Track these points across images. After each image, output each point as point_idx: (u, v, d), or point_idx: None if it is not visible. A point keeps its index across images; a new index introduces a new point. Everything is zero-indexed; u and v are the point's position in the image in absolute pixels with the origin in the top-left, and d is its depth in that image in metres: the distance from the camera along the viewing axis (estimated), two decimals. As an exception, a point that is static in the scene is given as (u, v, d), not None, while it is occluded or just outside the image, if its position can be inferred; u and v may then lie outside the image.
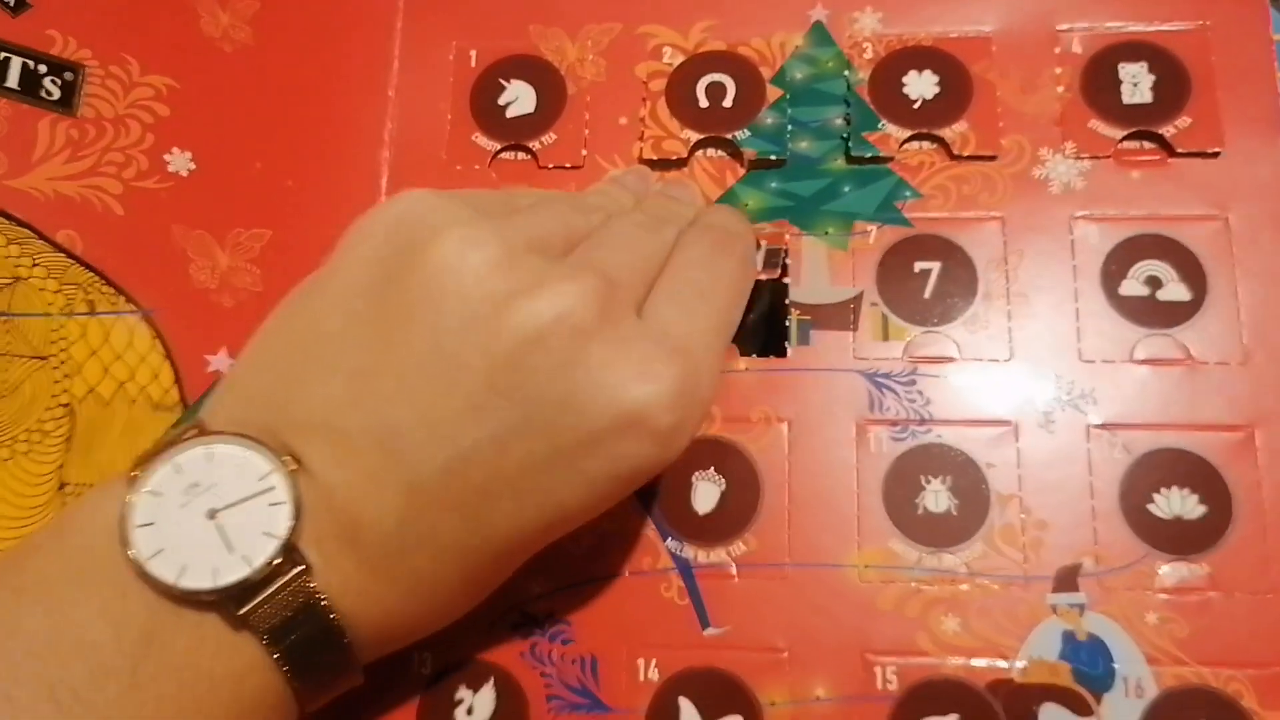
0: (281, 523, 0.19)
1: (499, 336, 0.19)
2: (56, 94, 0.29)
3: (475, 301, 0.19)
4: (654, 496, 0.25)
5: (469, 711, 0.23)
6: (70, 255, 0.28)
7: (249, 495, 0.19)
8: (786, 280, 0.26)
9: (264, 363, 0.21)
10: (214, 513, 0.19)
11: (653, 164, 0.28)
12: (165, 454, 0.19)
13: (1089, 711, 0.22)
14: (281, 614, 0.18)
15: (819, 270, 0.26)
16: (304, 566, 0.19)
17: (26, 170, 0.28)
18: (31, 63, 0.29)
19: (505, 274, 0.19)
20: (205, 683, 0.18)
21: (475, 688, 0.24)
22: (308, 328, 0.20)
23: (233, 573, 0.18)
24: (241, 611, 0.18)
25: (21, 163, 0.28)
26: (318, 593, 0.19)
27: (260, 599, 0.18)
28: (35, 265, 0.28)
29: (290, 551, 0.19)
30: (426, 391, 0.19)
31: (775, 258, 0.26)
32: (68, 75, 0.29)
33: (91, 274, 0.28)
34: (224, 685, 0.18)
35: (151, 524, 0.18)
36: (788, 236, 0.27)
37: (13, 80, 0.29)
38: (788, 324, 0.26)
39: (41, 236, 0.28)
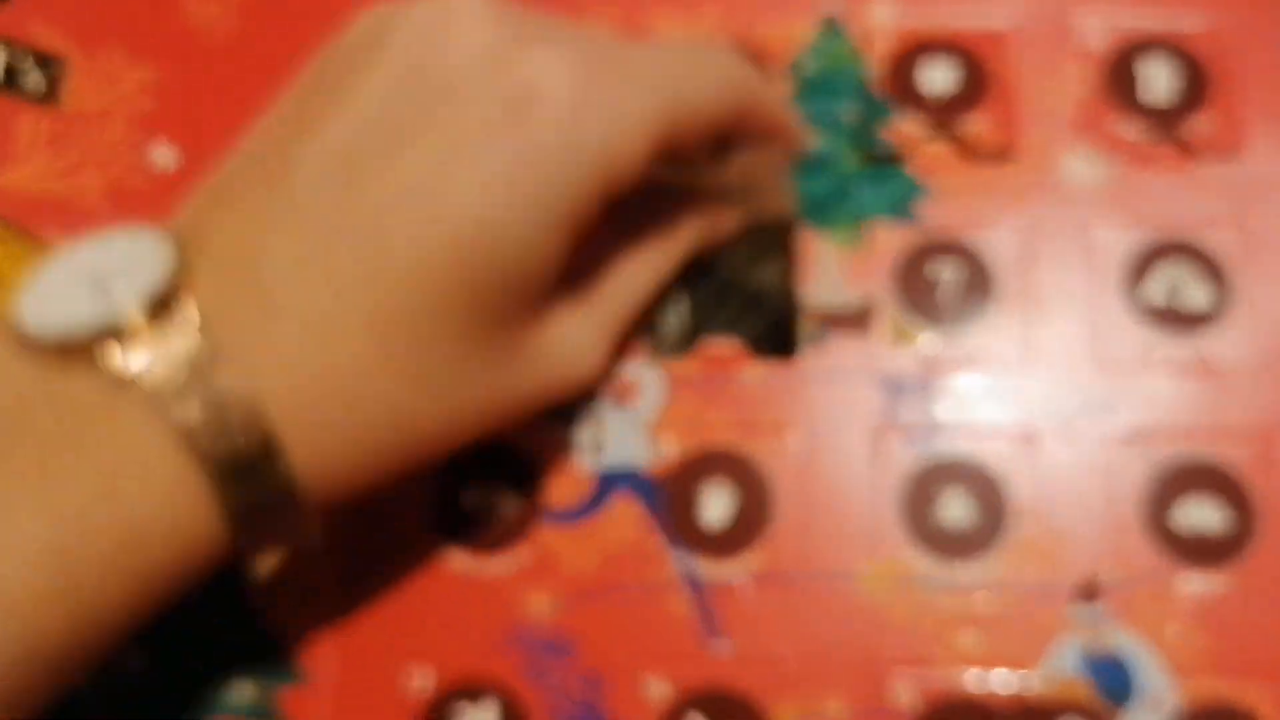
0: (165, 271, 0.18)
1: (384, 49, 0.20)
2: (40, 88, 0.28)
3: (371, 29, 0.20)
4: (660, 507, 0.24)
5: (471, 730, 0.23)
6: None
7: (138, 258, 0.18)
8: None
9: (204, 181, 0.21)
10: (99, 278, 0.18)
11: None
12: (62, 247, 0.19)
13: (1109, 727, 0.22)
14: (170, 368, 0.17)
15: (830, 273, 0.26)
16: (195, 317, 0.18)
17: (7, 167, 0.28)
18: (14, 55, 0.28)
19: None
20: (74, 454, 0.17)
21: (477, 705, 0.23)
22: (245, 135, 0.21)
23: (106, 316, 0.17)
24: (123, 363, 0.17)
25: (2, 158, 0.28)
26: (211, 346, 0.17)
27: (144, 350, 0.17)
28: (17, 263, 0.28)
29: (173, 296, 0.18)
30: (322, 121, 0.19)
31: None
32: (51, 67, 0.28)
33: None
34: (98, 457, 0.17)
35: (36, 296, 0.18)
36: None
37: (-4, 73, 0.28)
38: (798, 328, 0.25)
39: (23, 234, 0.27)
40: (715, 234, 0.25)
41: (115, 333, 0.17)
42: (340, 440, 0.19)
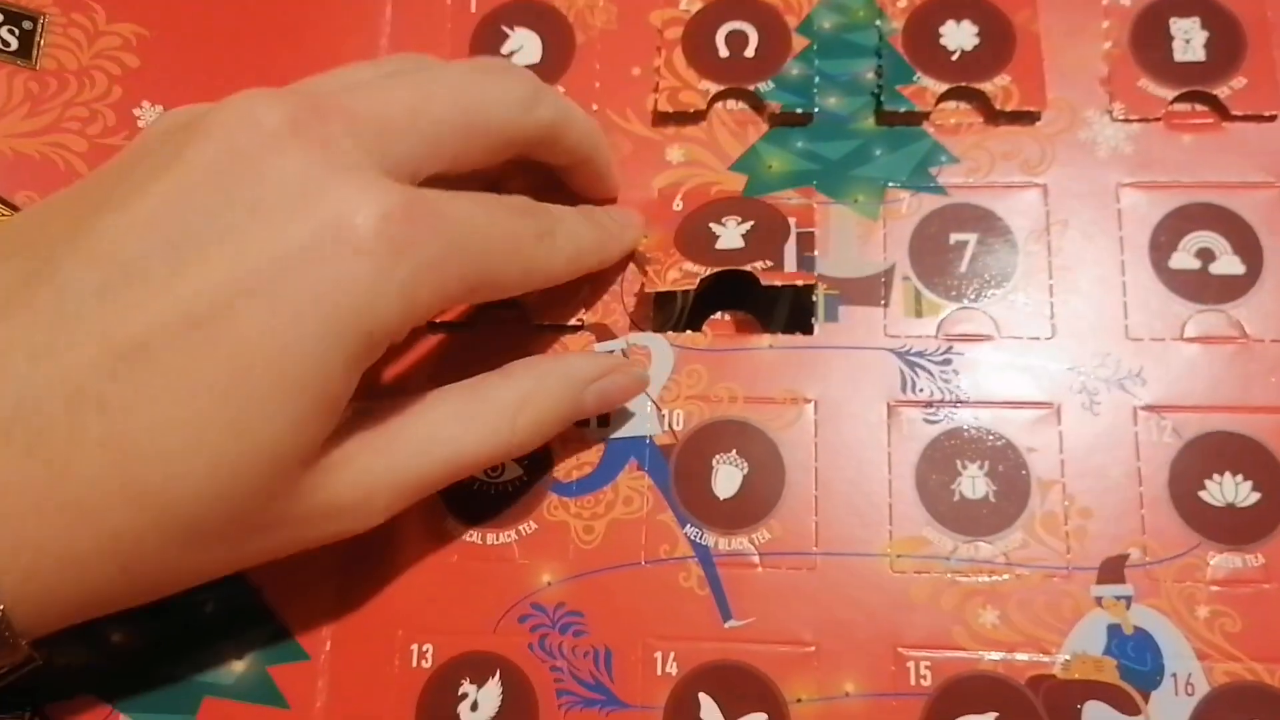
0: None
1: (182, 149, 0.19)
2: (14, 44, 0.28)
3: (171, 129, 0.20)
4: (671, 480, 0.24)
5: (473, 707, 0.23)
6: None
7: None
8: (817, 254, 0.26)
9: None
10: None
11: (668, 117, 0.27)
12: None
13: (1136, 710, 0.22)
14: None
15: (848, 241, 0.26)
16: None
17: (-19, 125, 0.27)
18: None
19: (206, 107, 0.19)
20: None
21: (480, 682, 0.23)
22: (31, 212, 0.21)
23: None
24: None
25: (-25, 119, 0.27)
26: None
27: None
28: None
29: None
30: (103, 222, 0.18)
31: (809, 248, 0.25)
32: (26, 23, 0.28)
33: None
34: None
35: None
36: (815, 205, 0.26)
37: (-35, 29, 0.28)
38: (814, 299, 0.25)
39: (-3, 197, 0.27)
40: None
41: None
42: (73, 577, 0.18)
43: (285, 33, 0.29)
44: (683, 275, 0.25)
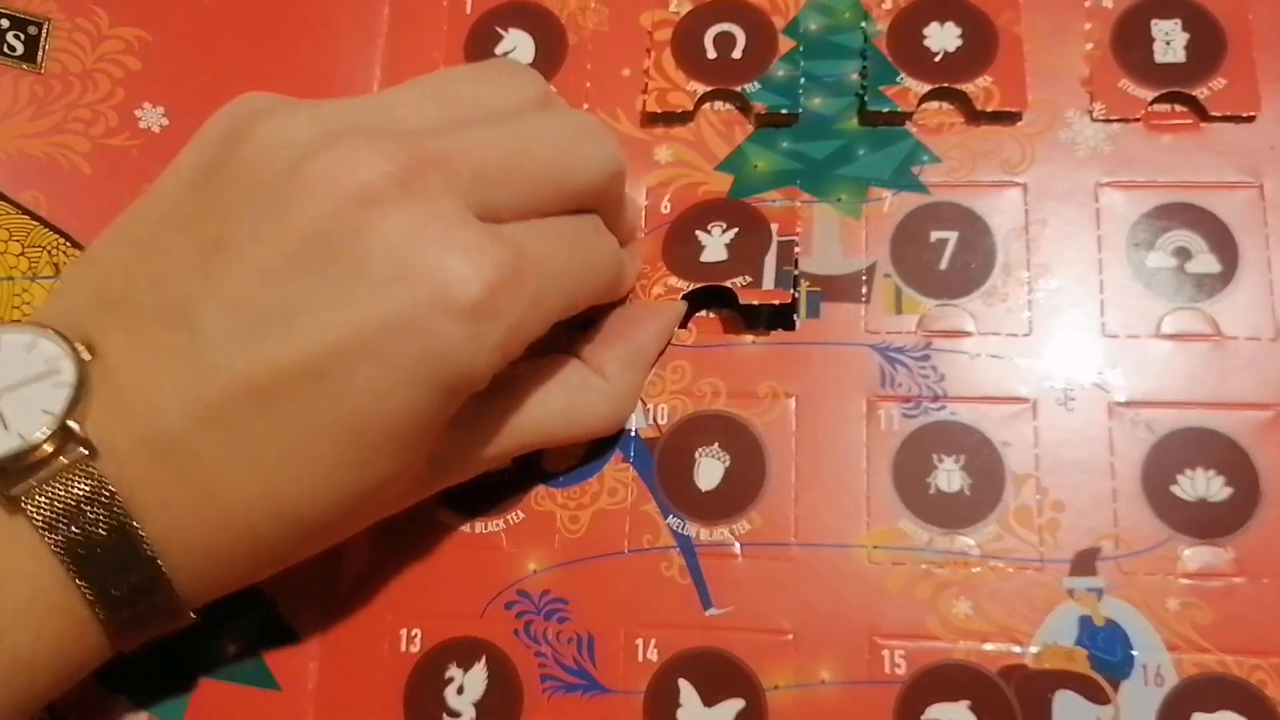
0: (61, 401, 0.19)
1: (288, 203, 0.19)
2: (20, 48, 0.29)
3: (272, 172, 0.20)
4: (655, 472, 0.25)
5: (459, 691, 0.24)
6: (35, 217, 0.29)
7: (33, 377, 0.19)
8: (798, 251, 0.27)
9: (89, 258, 0.22)
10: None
11: (656, 117, 0.28)
12: None
13: (1106, 699, 0.23)
14: (61, 500, 0.19)
15: (830, 240, 0.27)
16: (87, 451, 0.19)
17: (-11, 126, 0.29)
18: None
19: (310, 145, 0.20)
20: None
21: (466, 666, 0.24)
22: (133, 218, 0.22)
23: (4, 446, 0.19)
24: (13, 491, 0.19)
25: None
26: (103, 481, 0.19)
27: (36, 479, 0.19)
28: (-4, 225, 0.29)
29: (68, 430, 0.19)
30: (222, 264, 0.20)
31: (788, 258, 0.26)
32: (31, 29, 0.29)
33: (57, 236, 0.29)
34: None
35: None
36: (798, 205, 0.27)
37: (-27, 34, 0.29)
38: (796, 296, 0.26)
39: (4, 198, 0.29)
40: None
41: (15, 459, 0.19)
42: (221, 563, 0.21)
43: (284, 34, 0.30)
44: (667, 291, 0.26)
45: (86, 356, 0.20)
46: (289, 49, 0.30)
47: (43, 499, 0.19)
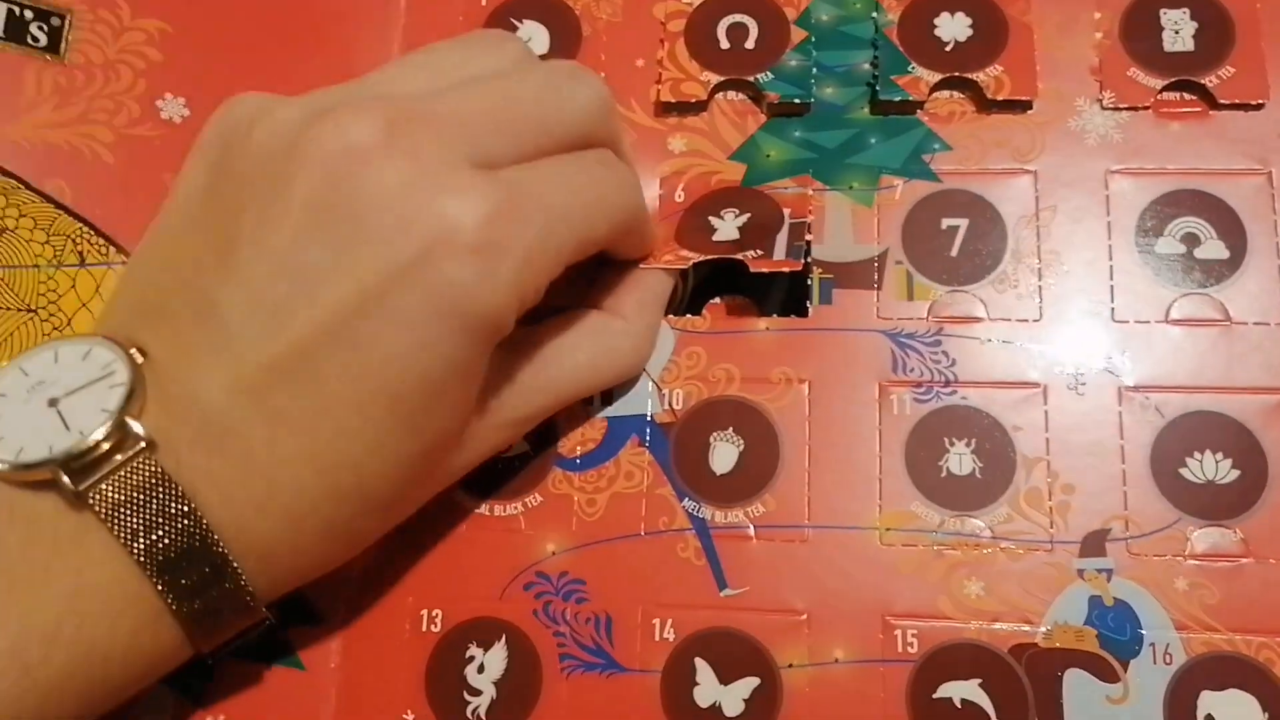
0: (117, 399, 0.20)
1: (291, 182, 0.20)
2: (43, 40, 0.30)
3: (270, 160, 0.21)
4: (671, 456, 0.26)
5: (480, 670, 0.25)
6: (59, 205, 0.29)
7: (90, 381, 0.20)
8: (810, 239, 0.27)
9: (126, 276, 0.23)
10: (54, 401, 0.20)
11: (670, 107, 0.29)
12: (13, 361, 0.21)
13: (1115, 678, 0.24)
14: (124, 492, 0.19)
15: (842, 227, 0.28)
16: (145, 444, 0.20)
17: (13, 119, 0.29)
18: (17, 8, 0.30)
19: (300, 123, 0.21)
20: (40, 574, 0.19)
21: (486, 646, 0.25)
22: (157, 234, 0.23)
23: (66, 443, 0.20)
24: (81, 487, 0.19)
25: (7, 111, 0.29)
26: (164, 471, 0.20)
27: (100, 475, 0.19)
28: (22, 216, 0.29)
29: (125, 426, 0.20)
30: (239, 256, 0.21)
31: (799, 236, 0.26)
32: (54, 20, 0.30)
33: (81, 224, 0.29)
34: (59, 580, 0.19)
35: None
36: (810, 193, 0.28)
37: (-2, 26, 0.30)
38: (809, 282, 0.27)
39: (29, 186, 0.29)
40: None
41: (78, 456, 0.20)
42: (288, 551, 0.21)
43: (302, 26, 0.31)
44: (676, 259, 0.27)
45: (139, 359, 0.21)
46: (306, 40, 0.30)
47: (108, 491, 0.19)
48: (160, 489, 0.20)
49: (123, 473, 0.20)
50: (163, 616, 0.20)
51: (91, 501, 0.20)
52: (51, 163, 0.29)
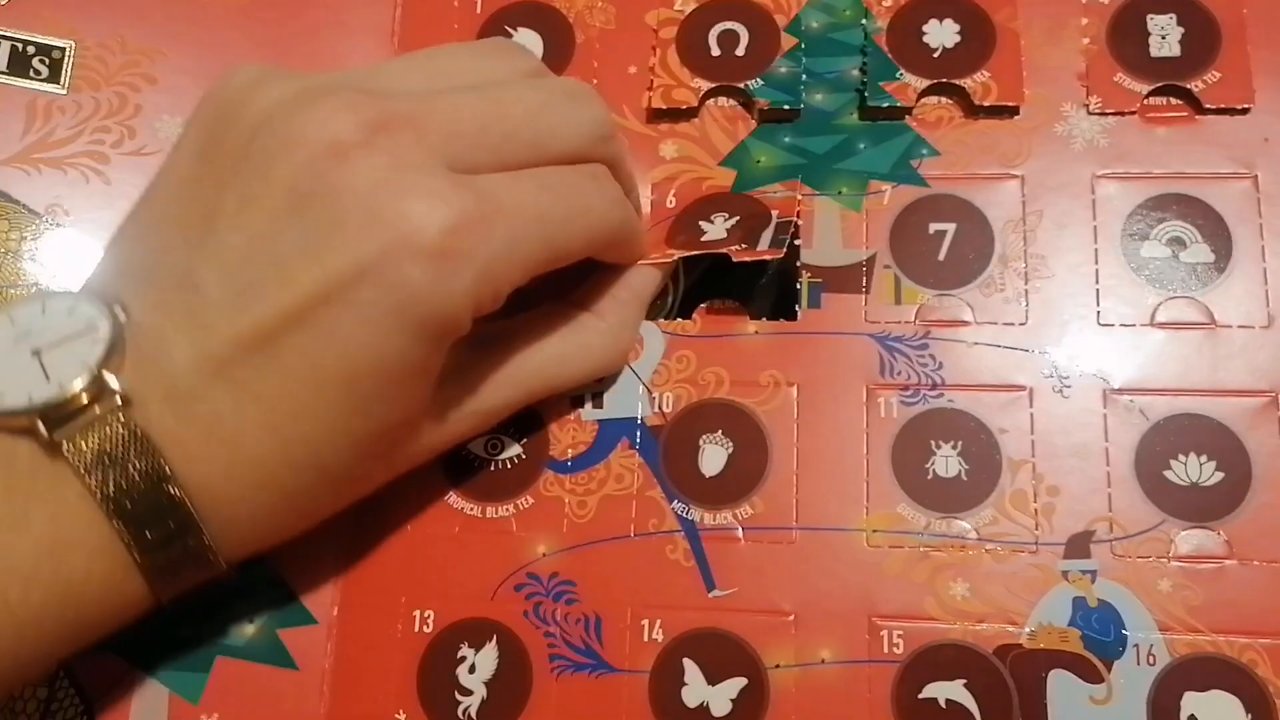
0: (97, 354, 0.21)
1: (269, 162, 0.21)
2: (45, 72, 0.30)
3: (257, 138, 0.21)
4: (660, 459, 0.26)
5: (471, 670, 0.25)
6: (60, 229, 0.30)
7: (74, 335, 0.21)
8: (799, 244, 0.28)
9: (113, 239, 0.24)
10: (38, 351, 0.21)
11: (662, 114, 0.29)
12: (3, 309, 0.22)
13: (1099, 678, 0.24)
14: (98, 444, 0.20)
15: (831, 232, 0.28)
16: (120, 399, 0.20)
17: (14, 147, 0.30)
18: (20, 44, 0.30)
19: (292, 105, 0.21)
20: (20, 518, 0.20)
21: (478, 646, 0.25)
22: (149, 196, 0.23)
23: (45, 394, 0.20)
24: (56, 436, 0.20)
25: (9, 142, 0.30)
26: (137, 427, 0.20)
27: (76, 425, 0.20)
28: (25, 240, 0.30)
29: (102, 381, 0.20)
30: (219, 231, 0.21)
31: (784, 231, 0.27)
32: (55, 53, 0.31)
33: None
34: (37, 524, 0.20)
35: None
36: (799, 197, 0.28)
37: (1, 63, 0.30)
38: (798, 286, 0.27)
39: (29, 211, 0.30)
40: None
41: (56, 407, 0.20)
42: (249, 515, 0.22)
43: (295, 34, 0.31)
44: (663, 255, 0.27)
45: (123, 317, 0.21)
46: (300, 49, 0.31)
47: (83, 443, 0.20)
48: (133, 445, 0.20)
49: (97, 425, 0.20)
50: (130, 568, 0.21)
51: (66, 452, 0.20)
52: (55, 189, 0.30)
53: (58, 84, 0.30)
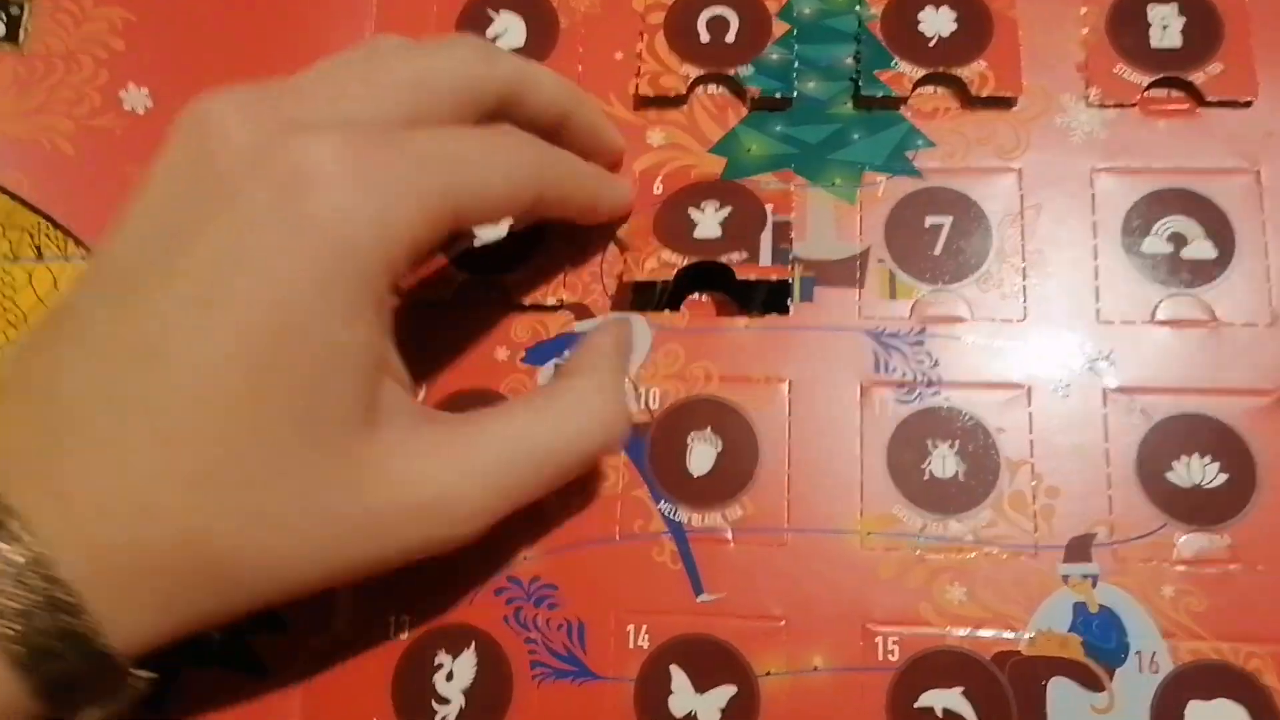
0: None
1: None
2: (1, 29, 0.29)
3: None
4: (647, 457, 0.26)
5: (449, 677, 0.24)
6: (15, 198, 0.28)
7: None
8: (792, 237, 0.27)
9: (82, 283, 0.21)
10: None
11: (649, 101, 0.28)
12: None
13: (1100, 686, 0.23)
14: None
15: (825, 224, 0.27)
16: None
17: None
18: None
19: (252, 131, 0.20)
20: None
21: (455, 653, 0.24)
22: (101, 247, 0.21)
23: None
24: None
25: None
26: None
27: None
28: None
29: None
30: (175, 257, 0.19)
31: (784, 237, 0.26)
32: (13, 9, 0.29)
33: (39, 217, 0.28)
34: None
35: None
36: (792, 189, 0.27)
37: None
38: (790, 280, 0.26)
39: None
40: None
41: None
42: (150, 594, 0.18)
43: (270, 14, 0.30)
44: (660, 265, 0.26)
45: None
46: (275, 29, 0.30)
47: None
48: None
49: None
50: (13, 679, 0.18)
51: None
52: (9, 155, 0.28)
53: (15, 43, 0.29)
